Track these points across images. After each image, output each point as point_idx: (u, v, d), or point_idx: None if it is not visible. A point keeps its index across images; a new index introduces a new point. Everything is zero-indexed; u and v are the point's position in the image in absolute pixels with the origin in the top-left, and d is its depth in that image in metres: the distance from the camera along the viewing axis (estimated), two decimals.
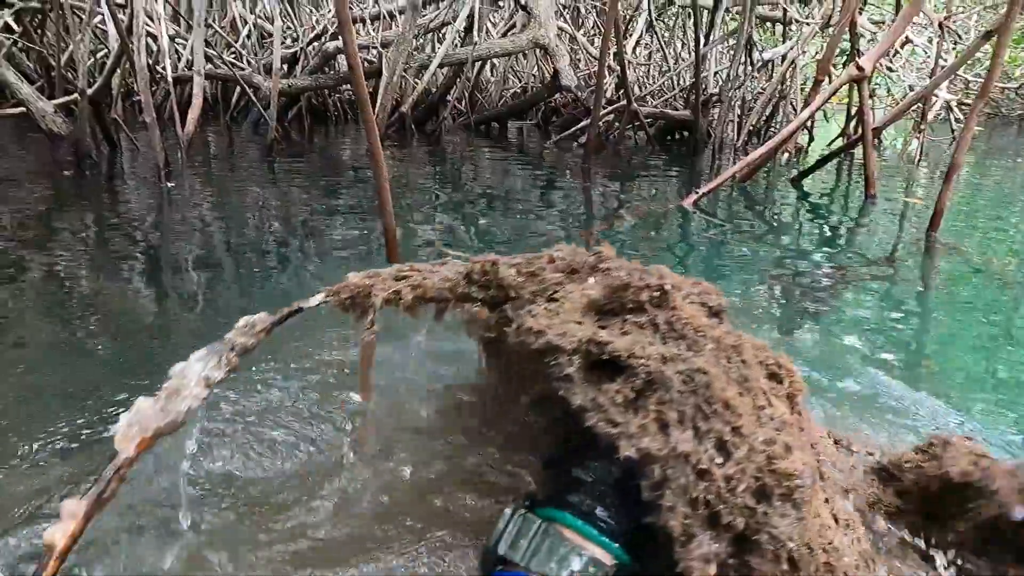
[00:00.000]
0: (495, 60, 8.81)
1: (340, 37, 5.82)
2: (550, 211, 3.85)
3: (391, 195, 2.29)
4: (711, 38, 6.76)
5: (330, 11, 7.64)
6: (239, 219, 3.28)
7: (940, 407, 1.50)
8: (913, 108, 6.64)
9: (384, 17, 7.18)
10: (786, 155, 6.00)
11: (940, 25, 5.79)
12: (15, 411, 1.35)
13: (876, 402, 1.49)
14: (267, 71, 7.09)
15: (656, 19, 7.97)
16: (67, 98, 4.40)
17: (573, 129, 7.32)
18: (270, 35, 7.75)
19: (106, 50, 7.16)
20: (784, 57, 6.88)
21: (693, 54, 6.68)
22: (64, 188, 3.81)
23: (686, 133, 7.97)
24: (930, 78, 5.72)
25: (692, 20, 6.22)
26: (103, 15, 5.27)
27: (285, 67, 7.36)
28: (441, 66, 6.72)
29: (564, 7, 8.59)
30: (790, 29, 7.38)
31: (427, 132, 7.87)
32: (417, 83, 6.84)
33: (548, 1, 6.49)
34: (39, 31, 7.82)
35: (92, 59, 7.17)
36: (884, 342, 1.92)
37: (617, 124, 7.37)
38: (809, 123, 7.94)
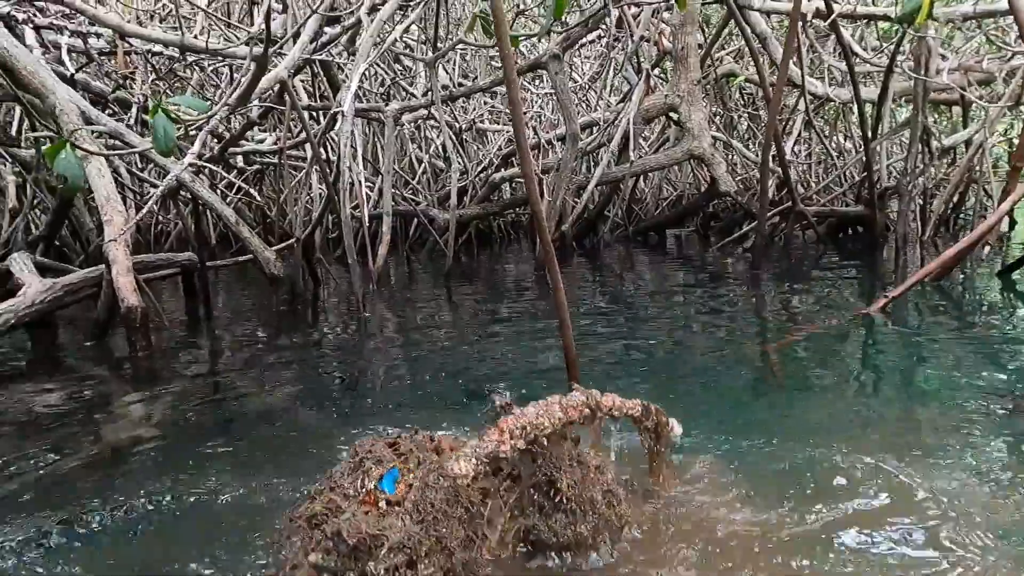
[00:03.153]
0: None
1: (519, 166, 6.39)
2: (720, 323, 3.77)
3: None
4: (879, 131, 6.48)
5: (497, 145, 8.37)
6: (428, 343, 3.56)
7: None
8: None
9: (543, 146, 7.72)
10: (987, 248, 5.44)
11: None
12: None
13: None
14: (440, 203, 7.81)
15: (814, 115, 7.82)
16: (283, 244, 5.14)
17: (736, 235, 7.20)
18: (442, 170, 8.60)
19: (307, 196, 8.32)
20: (968, 142, 6.42)
21: (861, 149, 6.44)
22: (281, 321, 4.37)
23: (860, 229, 7.54)
24: None
25: (858, 116, 6.04)
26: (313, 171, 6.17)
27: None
28: (598, 184, 7.03)
29: (716, 115, 8.71)
30: (971, 110, 6.91)
31: (586, 247, 8.12)
32: (576, 202, 7.17)
33: (701, 114, 6.65)
34: (256, 186, 9.31)
35: (297, 204, 8.37)
36: None
37: (783, 225, 7.16)
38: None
